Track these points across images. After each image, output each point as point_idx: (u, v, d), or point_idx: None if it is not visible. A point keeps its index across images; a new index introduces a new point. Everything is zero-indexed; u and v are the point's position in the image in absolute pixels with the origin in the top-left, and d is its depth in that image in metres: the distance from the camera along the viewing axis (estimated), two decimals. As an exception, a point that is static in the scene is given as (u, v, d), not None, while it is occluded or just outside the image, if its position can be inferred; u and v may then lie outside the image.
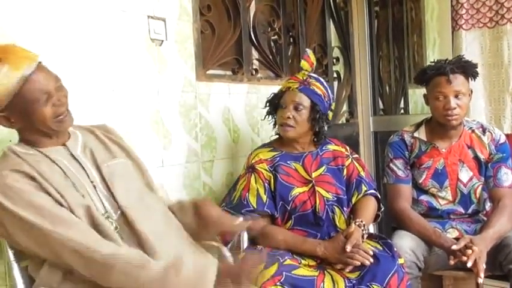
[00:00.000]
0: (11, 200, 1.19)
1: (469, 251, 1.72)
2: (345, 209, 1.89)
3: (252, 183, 1.85)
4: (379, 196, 1.97)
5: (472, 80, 1.99)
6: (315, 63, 2.05)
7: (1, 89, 1.21)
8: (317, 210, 1.83)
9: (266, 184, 1.85)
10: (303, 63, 2.00)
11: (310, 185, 1.87)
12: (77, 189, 1.29)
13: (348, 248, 1.66)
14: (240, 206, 1.83)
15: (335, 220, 1.87)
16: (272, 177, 1.87)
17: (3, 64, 1.21)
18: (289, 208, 1.84)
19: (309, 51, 2.04)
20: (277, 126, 1.96)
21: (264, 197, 1.83)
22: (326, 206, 1.86)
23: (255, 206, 1.81)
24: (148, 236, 1.30)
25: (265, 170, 1.87)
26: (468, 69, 1.96)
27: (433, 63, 2.01)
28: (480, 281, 1.71)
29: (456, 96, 1.92)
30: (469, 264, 1.70)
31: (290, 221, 1.85)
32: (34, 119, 1.28)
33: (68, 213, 1.23)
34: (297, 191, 1.85)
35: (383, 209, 2.00)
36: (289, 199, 1.84)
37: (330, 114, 2.01)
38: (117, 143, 1.52)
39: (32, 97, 1.25)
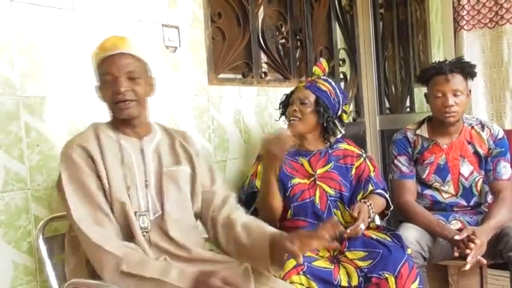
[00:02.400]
0: (67, 170, 1.35)
1: (472, 245, 1.80)
2: (347, 206, 1.96)
3: (258, 170, 1.99)
4: (387, 196, 2.04)
5: (470, 79, 2.08)
6: (327, 70, 2.17)
7: (93, 61, 1.44)
8: (316, 201, 1.92)
9: None
10: (315, 69, 2.13)
11: (312, 179, 1.97)
12: (126, 179, 1.40)
13: (362, 227, 1.77)
14: (248, 188, 2.02)
15: (337, 215, 1.94)
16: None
17: (100, 43, 1.43)
18: (288, 194, 1.93)
19: (322, 60, 2.19)
20: (287, 123, 2.06)
21: None
22: (328, 201, 1.94)
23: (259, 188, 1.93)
24: (178, 241, 1.42)
25: None
26: (466, 69, 2.04)
27: (430, 65, 2.12)
28: (467, 267, 1.78)
29: (454, 95, 2.01)
30: (469, 259, 1.78)
31: (290, 211, 1.93)
32: (102, 96, 1.44)
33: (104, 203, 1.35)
34: (297, 180, 1.96)
35: (391, 208, 2.07)
36: (289, 186, 1.94)
37: (345, 116, 2.10)
38: (187, 151, 1.57)
39: (101, 73, 1.42)
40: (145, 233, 1.40)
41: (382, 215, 2.09)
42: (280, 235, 1.35)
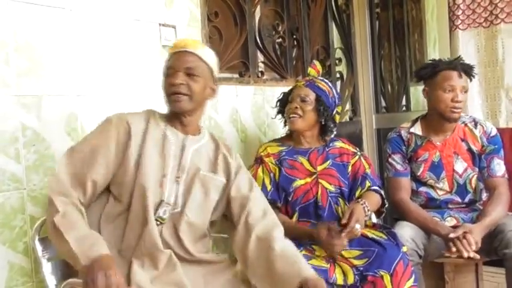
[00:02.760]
0: (98, 129, 1.46)
1: (466, 242, 1.81)
2: (347, 202, 1.98)
3: (259, 173, 1.98)
4: (383, 194, 2.05)
5: (469, 80, 2.10)
6: (321, 71, 2.20)
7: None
8: (318, 200, 1.94)
9: (271, 175, 1.98)
10: (310, 70, 2.15)
11: (314, 176, 1.98)
12: (159, 168, 1.45)
13: (357, 227, 1.79)
14: None
15: (338, 211, 1.96)
16: (277, 170, 1.99)
17: (176, 41, 1.63)
18: (290, 199, 1.95)
19: (316, 62, 2.21)
20: (286, 123, 2.08)
21: (269, 186, 1.96)
22: (329, 198, 1.96)
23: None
24: (184, 243, 1.45)
25: (272, 163, 2.00)
26: (471, 71, 2.08)
27: (435, 61, 2.12)
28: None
29: (462, 91, 2.04)
30: (465, 255, 1.79)
31: (296, 213, 1.96)
32: (162, 87, 1.51)
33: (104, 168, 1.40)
34: (298, 182, 1.96)
35: (387, 205, 2.08)
36: (290, 190, 1.95)
37: (337, 116, 2.11)
38: (227, 164, 1.58)
39: (165, 68, 1.52)
40: (159, 223, 1.41)
41: (378, 213, 2.10)
42: (312, 281, 1.31)
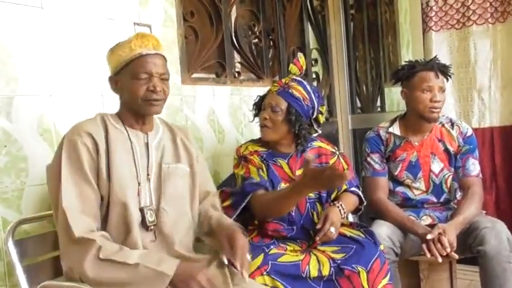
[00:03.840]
0: (68, 154, 1.37)
1: (440, 247, 1.83)
2: (324, 206, 1.96)
3: (251, 168, 1.92)
4: (360, 193, 2.05)
5: (446, 80, 2.13)
6: (304, 67, 2.09)
7: (118, 57, 1.46)
8: (297, 206, 1.90)
9: (260, 171, 1.92)
10: (292, 67, 2.06)
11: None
12: (132, 172, 1.44)
13: (332, 230, 1.78)
14: (248, 185, 1.87)
15: (313, 217, 1.93)
16: (264, 166, 1.94)
17: (131, 40, 1.45)
18: None
19: (300, 55, 2.11)
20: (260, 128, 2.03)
21: (265, 175, 1.91)
22: (308, 204, 1.93)
23: (258, 180, 1.88)
24: (174, 240, 1.47)
25: (257, 160, 1.95)
26: (447, 71, 2.12)
27: (411, 62, 2.15)
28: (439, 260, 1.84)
29: (440, 91, 2.06)
30: (440, 260, 1.83)
31: None
32: (129, 90, 1.45)
33: (92, 194, 1.37)
34: (282, 185, 1.92)
35: (365, 203, 2.08)
36: (278, 189, 1.90)
37: (320, 117, 2.05)
38: (188, 150, 1.62)
39: (136, 71, 1.44)
40: (152, 227, 1.43)
41: (356, 210, 2.09)
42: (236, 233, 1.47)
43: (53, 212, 1.39)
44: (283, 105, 1.91)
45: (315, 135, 2.08)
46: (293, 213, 1.90)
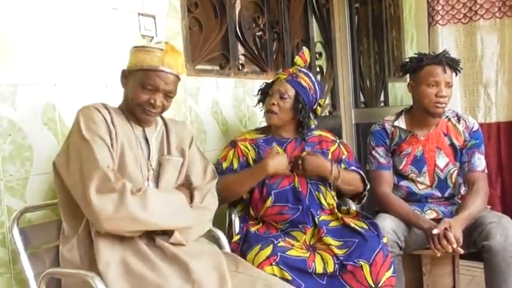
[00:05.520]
0: (85, 123, 1.40)
1: (445, 243, 1.83)
2: (329, 188, 1.99)
3: (229, 155, 2.04)
4: (362, 173, 2.06)
5: (454, 74, 2.10)
6: (309, 60, 2.17)
7: (140, 59, 1.49)
8: (297, 186, 1.93)
9: (242, 159, 2.02)
10: (297, 59, 2.13)
11: (289, 166, 1.96)
12: (137, 159, 1.50)
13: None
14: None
15: (320, 198, 1.96)
16: (254, 152, 2.02)
17: (163, 51, 1.48)
18: (267, 182, 1.93)
19: (305, 49, 2.18)
20: (264, 114, 2.07)
21: (235, 166, 2.00)
22: (309, 185, 1.95)
23: (227, 165, 2.01)
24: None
25: (246, 147, 2.03)
26: (456, 65, 2.08)
27: (420, 55, 2.11)
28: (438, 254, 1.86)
29: (446, 86, 2.04)
30: (438, 255, 1.83)
31: (270, 197, 1.92)
32: (132, 92, 1.50)
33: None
34: None
35: (368, 186, 2.08)
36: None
37: (319, 109, 2.12)
38: (182, 141, 1.67)
39: (145, 82, 1.47)
40: None
41: (359, 198, 2.12)
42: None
43: (79, 178, 1.36)
44: (292, 92, 1.99)
45: (312, 126, 2.11)
46: (299, 189, 1.93)
